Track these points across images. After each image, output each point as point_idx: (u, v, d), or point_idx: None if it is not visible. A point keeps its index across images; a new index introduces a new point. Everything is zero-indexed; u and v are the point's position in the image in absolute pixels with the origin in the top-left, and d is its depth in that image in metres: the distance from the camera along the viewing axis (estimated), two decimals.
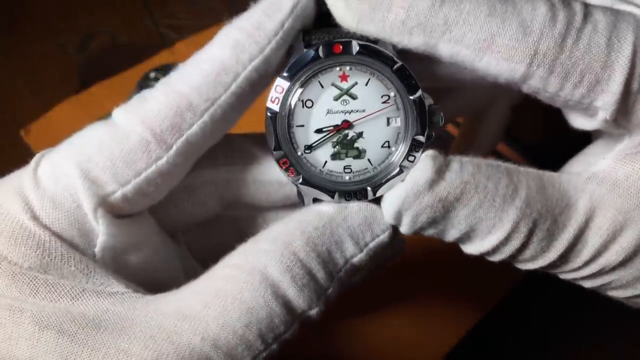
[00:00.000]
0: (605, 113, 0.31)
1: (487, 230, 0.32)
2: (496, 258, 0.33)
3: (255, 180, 0.37)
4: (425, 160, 0.31)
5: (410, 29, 0.30)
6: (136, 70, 0.78)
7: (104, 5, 0.91)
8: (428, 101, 0.32)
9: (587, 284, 0.35)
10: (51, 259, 0.30)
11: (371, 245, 0.33)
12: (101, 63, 0.82)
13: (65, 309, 0.29)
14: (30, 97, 0.77)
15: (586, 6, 0.31)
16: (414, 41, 0.31)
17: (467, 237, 0.33)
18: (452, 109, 0.45)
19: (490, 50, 0.30)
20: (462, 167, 0.31)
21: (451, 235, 0.33)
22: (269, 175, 0.37)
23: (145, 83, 0.74)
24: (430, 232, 0.33)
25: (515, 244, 0.32)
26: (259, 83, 0.33)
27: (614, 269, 0.33)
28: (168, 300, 0.31)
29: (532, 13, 0.30)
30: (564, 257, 0.33)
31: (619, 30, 0.30)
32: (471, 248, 0.34)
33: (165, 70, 0.76)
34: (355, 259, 0.32)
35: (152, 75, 0.75)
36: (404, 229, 0.33)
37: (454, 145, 0.54)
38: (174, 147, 0.32)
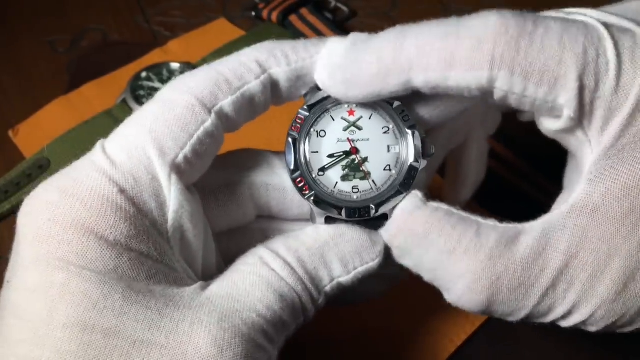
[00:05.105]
0: (569, 110, 0.33)
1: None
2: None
3: (289, 189, 0.40)
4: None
5: (384, 76, 0.34)
6: (127, 69, 0.77)
7: (95, 3, 0.89)
8: (421, 134, 0.38)
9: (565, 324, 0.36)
10: (137, 232, 0.32)
11: (360, 269, 0.37)
12: (92, 62, 0.81)
13: (144, 287, 0.32)
14: (19, 96, 0.76)
15: (537, 15, 0.34)
16: (391, 84, 0.35)
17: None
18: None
19: (453, 67, 0.33)
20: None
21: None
22: None
23: (136, 83, 0.73)
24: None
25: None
26: (284, 88, 0.38)
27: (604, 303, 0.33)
28: (219, 285, 0.34)
29: (484, 25, 0.33)
30: (540, 309, 0.34)
31: (570, 33, 0.32)
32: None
33: (157, 70, 0.75)
34: (342, 279, 0.36)
35: (144, 75, 0.74)
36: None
37: (444, 191, 0.55)
38: (213, 113, 0.35)
